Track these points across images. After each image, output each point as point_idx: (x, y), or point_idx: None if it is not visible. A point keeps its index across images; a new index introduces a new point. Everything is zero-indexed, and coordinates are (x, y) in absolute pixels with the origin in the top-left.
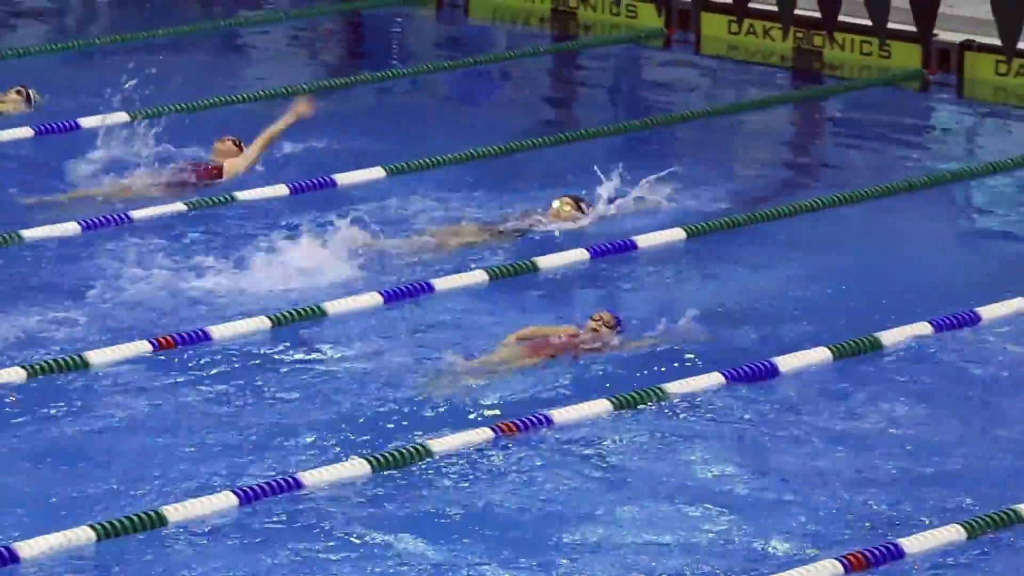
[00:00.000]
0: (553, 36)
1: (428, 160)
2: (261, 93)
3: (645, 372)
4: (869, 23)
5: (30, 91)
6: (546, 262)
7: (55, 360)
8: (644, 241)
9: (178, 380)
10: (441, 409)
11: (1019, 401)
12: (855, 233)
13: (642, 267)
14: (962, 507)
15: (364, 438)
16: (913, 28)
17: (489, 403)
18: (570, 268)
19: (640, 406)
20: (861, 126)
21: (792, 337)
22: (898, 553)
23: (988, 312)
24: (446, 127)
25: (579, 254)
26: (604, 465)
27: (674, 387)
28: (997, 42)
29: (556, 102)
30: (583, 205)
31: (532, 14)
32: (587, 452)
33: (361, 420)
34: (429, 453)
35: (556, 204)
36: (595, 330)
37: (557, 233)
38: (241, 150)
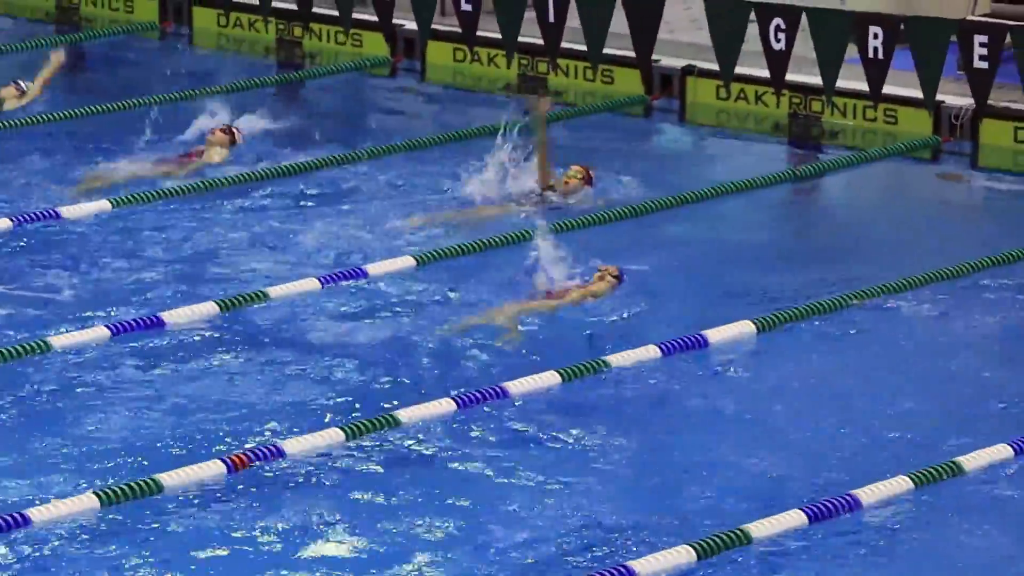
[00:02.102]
0: (279, 65)
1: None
2: None
3: None
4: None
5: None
6: None
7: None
8: None
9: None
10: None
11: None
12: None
13: None
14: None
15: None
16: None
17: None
18: None
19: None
20: (585, 151)
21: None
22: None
23: (716, 334)
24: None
25: None
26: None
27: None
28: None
29: (281, 132)
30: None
31: (257, 43)
32: None
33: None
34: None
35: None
36: (601, 279)
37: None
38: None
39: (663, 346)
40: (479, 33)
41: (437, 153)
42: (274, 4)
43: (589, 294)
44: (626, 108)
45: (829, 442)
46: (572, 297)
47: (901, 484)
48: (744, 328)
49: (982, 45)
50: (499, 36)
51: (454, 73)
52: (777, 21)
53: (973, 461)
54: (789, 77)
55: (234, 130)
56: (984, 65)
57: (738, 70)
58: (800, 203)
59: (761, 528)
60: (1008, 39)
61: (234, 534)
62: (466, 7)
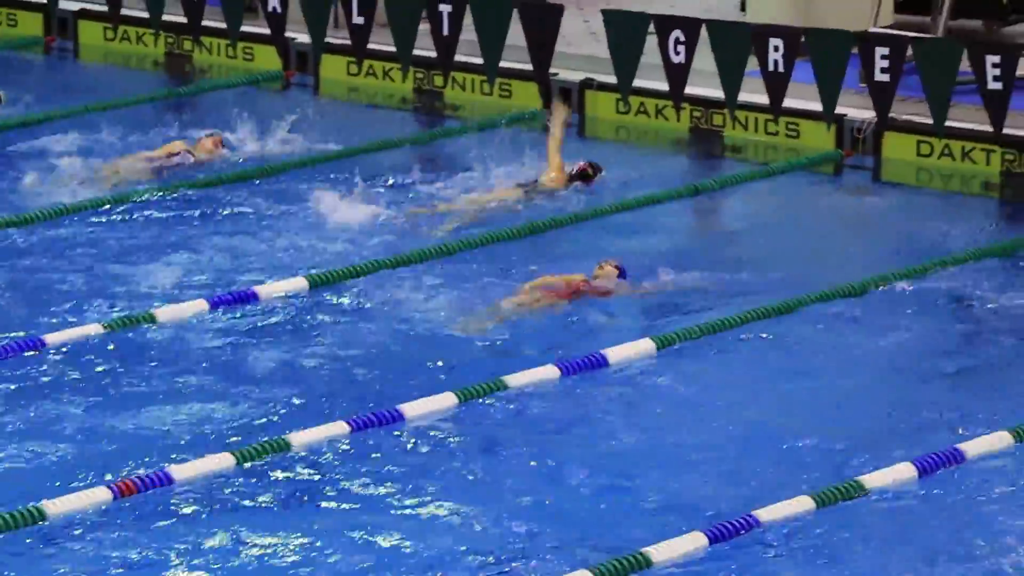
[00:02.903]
0: (168, 80)
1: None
2: None
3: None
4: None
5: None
6: None
7: None
8: None
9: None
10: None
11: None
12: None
13: None
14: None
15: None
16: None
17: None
18: None
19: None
20: (482, 166)
21: None
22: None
23: (615, 353)
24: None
25: None
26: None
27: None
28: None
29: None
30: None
31: (145, 57)
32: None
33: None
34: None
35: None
36: (599, 276)
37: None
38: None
39: (562, 366)
40: (373, 47)
41: (333, 168)
42: (163, 17)
43: (593, 289)
44: (524, 122)
45: (730, 461)
46: (576, 290)
47: (802, 504)
48: (644, 346)
49: (884, 57)
50: (393, 49)
51: (348, 87)
52: (676, 34)
53: (875, 480)
54: (689, 90)
55: (220, 141)
56: (886, 78)
57: (638, 83)
58: (701, 218)
59: (661, 552)
60: (910, 51)
61: (119, 562)
62: (358, 20)
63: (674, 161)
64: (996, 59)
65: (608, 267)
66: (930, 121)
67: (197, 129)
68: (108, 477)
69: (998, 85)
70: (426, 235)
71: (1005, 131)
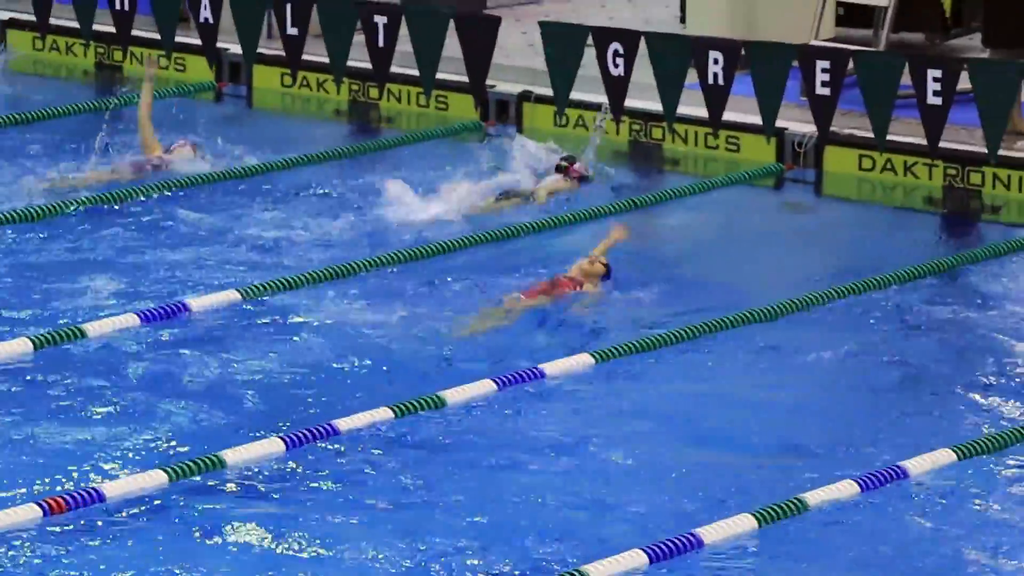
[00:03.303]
0: (97, 91)
1: None
2: None
3: None
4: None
5: None
6: None
7: None
8: None
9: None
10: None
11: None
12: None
13: None
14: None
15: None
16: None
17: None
18: None
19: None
20: (421, 179)
21: None
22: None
23: (553, 367)
24: None
25: None
26: None
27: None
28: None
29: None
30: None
31: (76, 68)
32: None
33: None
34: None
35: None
36: (586, 269)
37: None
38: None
39: (498, 380)
40: (307, 58)
41: (265, 180)
42: (93, 27)
43: (579, 283)
44: (462, 135)
45: (670, 479)
46: (562, 289)
47: (744, 522)
48: (582, 360)
49: (824, 71)
50: (327, 60)
51: (282, 98)
52: (615, 46)
53: (818, 497)
54: (629, 103)
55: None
56: (826, 91)
57: (576, 96)
58: (641, 233)
59: (600, 570)
60: (851, 65)
61: None
62: (292, 31)
63: (613, 175)
64: (937, 73)
65: (598, 264)
66: (872, 135)
67: (129, 139)
68: (38, 494)
69: (938, 100)
70: (366, 249)
71: (948, 146)
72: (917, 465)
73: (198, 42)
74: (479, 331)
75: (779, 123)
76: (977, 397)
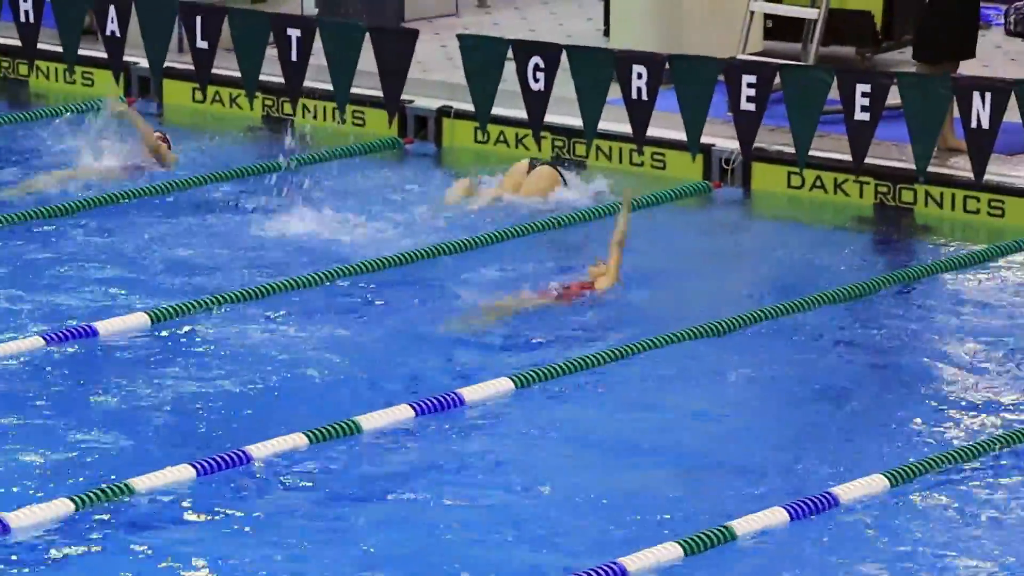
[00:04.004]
0: (5, 105)
1: None
2: None
3: None
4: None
5: None
6: None
7: None
8: None
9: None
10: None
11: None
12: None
13: None
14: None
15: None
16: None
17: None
18: None
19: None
20: (339, 196)
21: None
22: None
23: (471, 392)
24: None
25: None
26: None
27: None
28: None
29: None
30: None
31: None
32: None
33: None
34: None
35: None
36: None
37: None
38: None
39: (415, 406)
40: (219, 72)
41: (176, 198)
42: None
43: (590, 287)
44: (379, 152)
45: (593, 506)
46: (574, 291)
47: (670, 551)
48: (502, 385)
49: (750, 86)
50: (239, 75)
51: (193, 114)
52: (536, 60)
53: (746, 525)
54: (552, 119)
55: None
56: (751, 107)
57: (497, 111)
58: (564, 253)
59: None
60: (778, 80)
61: None
62: (202, 44)
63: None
64: (866, 88)
65: (603, 266)
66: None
67: (35, 159)
68: None
69: (866, 116)
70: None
71: (879, 163)
72: (848, 491)
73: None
74: (487, 322)
75: (707, 139)
76: (910, 421)
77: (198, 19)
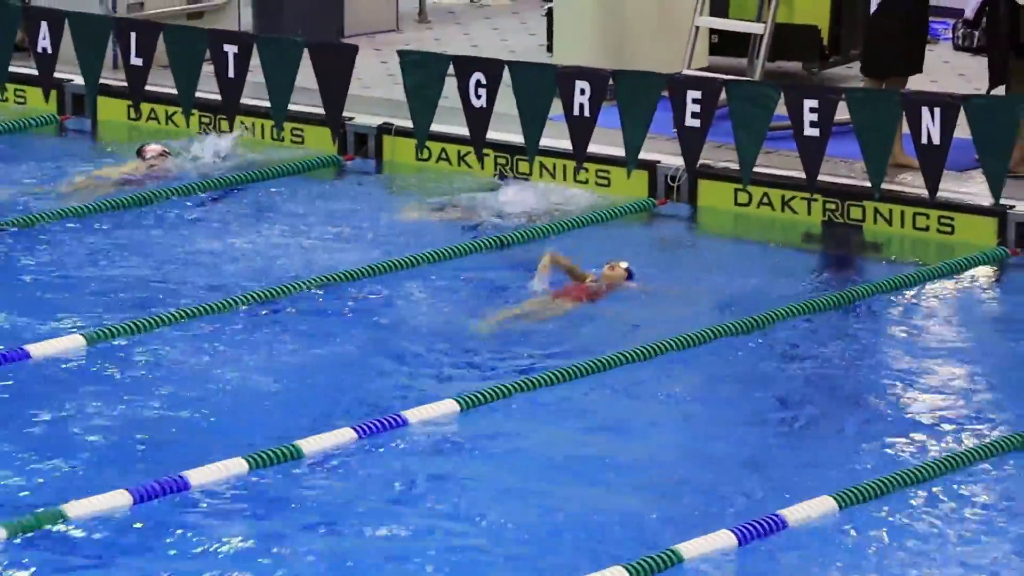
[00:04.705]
0: None
1: None
2: None
3: None
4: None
5: None
6: None
7: None
8: None
9: None
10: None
11: None
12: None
13: None
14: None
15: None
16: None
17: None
18: None
19: None
20: (281, 216)
21: None
22: None
23: (415, 414)
24: None
25: None
26: None
27: None
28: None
29: None
30: None
31: None
32: None
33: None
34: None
35: None
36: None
37: None
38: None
39: (358, 428)
40: (155, 89)
41: (107, 221)
42: None
43: (602, 288)
44: (319, 170)
45: (536, 531)
46: (587, 292)
47: (616, 575)
48: (446, 407)
49: (695, 101)
50: (175, 92)
51: (129, 131)
52: (478, 76)
53: (692, 549)
54: (494, 136)
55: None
56: (696, 123)
57: (438, 128)
58: (509, 274)
59: None
60: (724, 95)
61: None
62: (137, 61)
63: (477, 211)
64: (814, 103)
65: (619, 268)
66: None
67: None
68: None
69: (815, 131)
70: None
71: (828, 179)
72: (796, 514)
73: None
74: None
75: (652, 156)
76: (859, 442)
77: (133, 35)
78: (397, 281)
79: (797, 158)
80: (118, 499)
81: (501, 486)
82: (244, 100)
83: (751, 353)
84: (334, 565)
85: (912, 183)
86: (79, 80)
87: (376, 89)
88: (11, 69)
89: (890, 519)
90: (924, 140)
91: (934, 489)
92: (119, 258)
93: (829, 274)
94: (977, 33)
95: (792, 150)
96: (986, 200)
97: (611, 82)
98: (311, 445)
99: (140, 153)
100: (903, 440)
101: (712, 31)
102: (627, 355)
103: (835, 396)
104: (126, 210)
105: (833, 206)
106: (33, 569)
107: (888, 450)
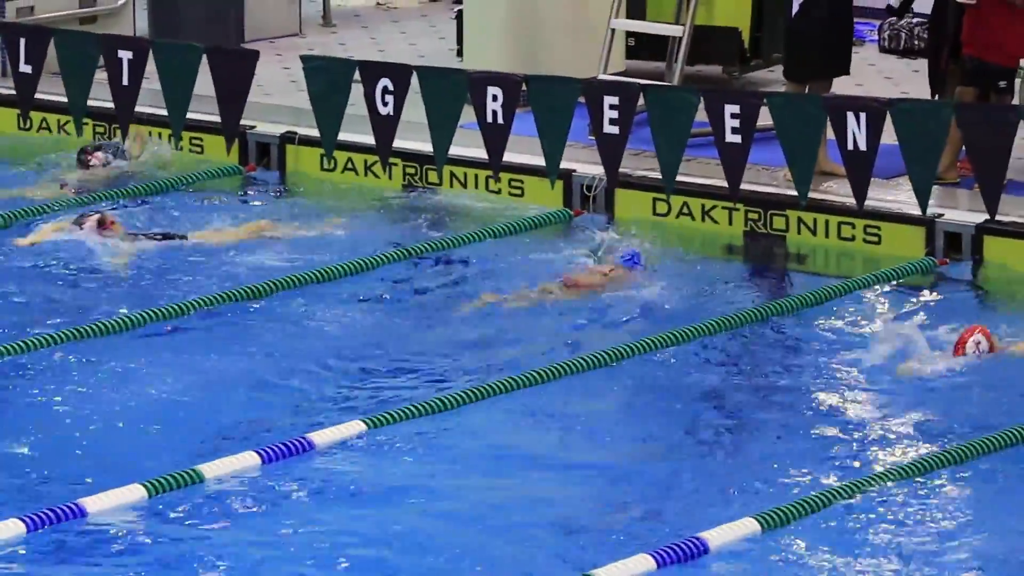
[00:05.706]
0: None
1: None
2: None
3: None
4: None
5: None
6: None
7: None
8: None
9: None
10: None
11: None
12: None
13: None
14: None
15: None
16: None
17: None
18: None
19: None
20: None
21: None
22: None
23: (321, 437)
24: None
25: None
26: None
27: None
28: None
29: None
30: None
31: None
32: None
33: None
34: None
35: None
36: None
37: None
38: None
39: (263, 452)
40: (45, 97)
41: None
42: None
43: (611, 279)
44: (219, 180)
45: (438, 557)
46: (594, 281)
47: None
48: (353, 428)
49: (612, 107)
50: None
51: (17, 143)
52: (385, 82)
53: (611, 574)
54: (400, 145)
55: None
56: (614, 130)
57: (344, 137)
58: (417, 289)
59: None
60: (642, 100)
61: None
62: (25, 68)
63: (385, 223)
64: (735, 109)
65: (620, 270)
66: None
67: None
68: None
69: (737, 138)
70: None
71: (750, 188)
72: (718, 536)
73: None
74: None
75: (568, 164)
76: (783, 460)
77: (21, 41)
78: (306, 294)
79: (718, 166)
80: (11, 528)
81: (400, 509)
82: (139, 108)
83: (668, 369)
84: None
85: (837, 191)
86: None
87: (278, 96)
88: None
89: (815, 541)
90: (851, 147)
91: (863, 506)
92: (10, 276)
93: (751, 287)
94: (904, 34)
95: (712, 157)
96: (914, 209)
97: (524, 87)
98: (211, 470)
99: (82, 161)
100: (828, 457)
101: (628, 33)
102: (540, 374)
103: (757, 413)
104: (12, 223)
105: (755, 216)
106: None
107: (813, 468)
